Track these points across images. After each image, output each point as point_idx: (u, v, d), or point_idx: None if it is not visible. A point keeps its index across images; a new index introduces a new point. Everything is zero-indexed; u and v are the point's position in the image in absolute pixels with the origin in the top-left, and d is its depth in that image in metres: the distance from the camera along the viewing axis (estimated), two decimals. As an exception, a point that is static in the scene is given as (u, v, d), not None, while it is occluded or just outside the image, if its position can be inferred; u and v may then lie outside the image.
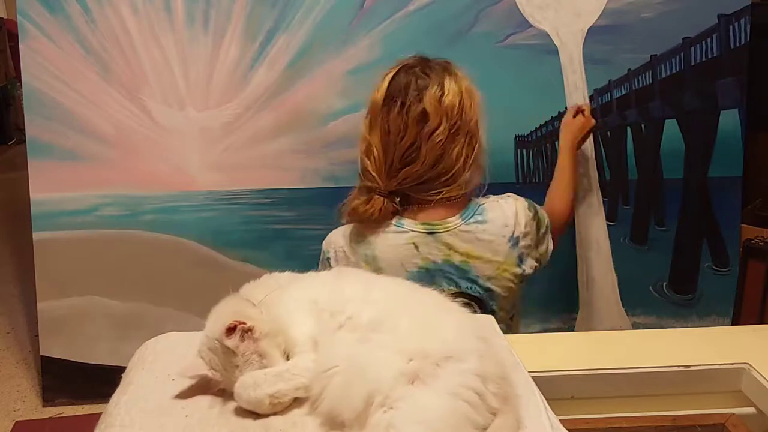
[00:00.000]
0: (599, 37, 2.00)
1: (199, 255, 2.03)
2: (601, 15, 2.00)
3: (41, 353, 2.07)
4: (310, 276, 0.98)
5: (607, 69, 2.02)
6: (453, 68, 1.33)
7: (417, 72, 1.31)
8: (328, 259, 1.39)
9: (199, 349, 0.85)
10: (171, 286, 2.04)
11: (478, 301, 1.33)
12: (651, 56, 2.03)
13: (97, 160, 1.98)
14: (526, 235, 1.35)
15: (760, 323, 2.10)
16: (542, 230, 1.40)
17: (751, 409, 1.17)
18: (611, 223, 2.09)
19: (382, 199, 1.30)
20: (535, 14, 1.99)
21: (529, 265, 1.37)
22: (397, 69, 1.33)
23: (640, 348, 1.28)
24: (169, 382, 0.86)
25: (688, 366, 1.17)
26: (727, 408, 1.16)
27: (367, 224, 1.33)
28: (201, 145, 1.99)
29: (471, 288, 1.32)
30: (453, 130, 1.28)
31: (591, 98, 2.03)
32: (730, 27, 2.01)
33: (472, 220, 1.32)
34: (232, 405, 0.81)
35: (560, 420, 0.81)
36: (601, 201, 2.07)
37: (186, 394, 0.84)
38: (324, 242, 1.41)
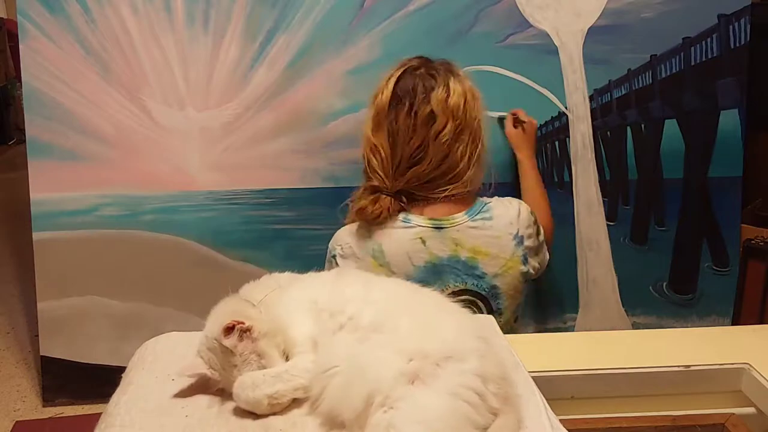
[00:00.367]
0: (599, 37, 2.00)
1: (199, 255, 2.03)
2: (601, 15, 2.00)
3: (41, 353, 2.07)
4: (310, 276, 0.98)
5: (607, 69, 2.02)
6: (455, 69, 1.36)
7: (422, 74, 1.33)
8: (334, 257, 1.39)
9: (198, 349, 0.85)
10: (171, 286, 2.04)
11: (483, 299, 1.33)
12: (651, 56, 2.02)
13: (97, 160, 1.98)
14: (529, 236, 1.36)
15: (760, 323, 2.10)
16: (540, 237, 1.42)
17: (751, 409, 1.17)
18: (611, 223, 2.09)
19: (389, 198, 1.33)
20: (535, 14, 1.99)
21: (532, 266, 1.38)
22: (401, 71, 1.35)
23: (640, 348, 1.28)
24: (169, 382, 0.87)
25: (688, 366, 1.17)
26: (727, 408, 1.16)
27: (374, 222, 1.34)
28: (201, 145, 1.99)
29: (477, 285, 1.33)
30: (458, 130, 1.31)
31: (591, 98, 2.03)
32: (730, 27, 2.01)
33: (478, 216, 1.34)
34: (231, 405, 0.81)
35: (560, 420, 0.81)
36: (601, 201, 2.07)
37: (186, 394, 0.84)
38: (330, 241, 1.42)
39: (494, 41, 1.99)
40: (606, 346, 1.31)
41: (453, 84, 1.32)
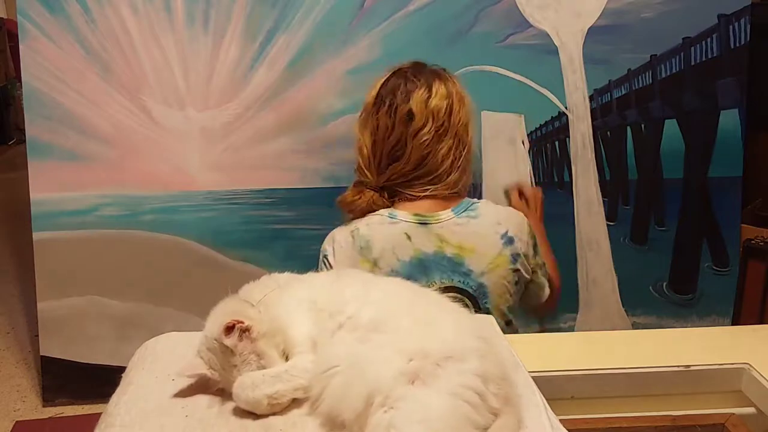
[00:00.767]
0: (599, 37, 2.00)
1: (199, 255, 2.03)
2: (601, 15, 2.00)
3: (41, 353, 2.07)
4: (310, 276, 0.98)
5: (607, 69, 2.02)
6: (445, 74, 1.39)
7: (408, 75, 1.37)
8: (326, 257, 1.40)
9: (198, 349, 0.85)
10: (171, 286, 2.04)
11: (471, 297, 1.34)
12: (651, 56, 2.03)
13: (97, 160, 1.98)
14: (521, 242, 1.37)
15: (760, 323, 2.10)
16: (538, 258, 1.43)
17: (751, 409, 1.17)
18: (611, 223, 2.09)
19: (372, 192, 1.36)
20: (535, 14, 1.99)
21: (524, 269, 1.38)
22: (390, 73, 1.38)
23: (640, 348, 1.28)
24: (169, 382, 0.86)
25: (688, 366, 1.17)
26: (727, 408, 1.16)
27: (358, 215, 1.37)
28: (201, 145, 1.99)
29: (464, 282, 1.34)
30: (440, 131, 1.34)
31: (591, 98, 2.03)
32: (730, 27, 2.01)
33: (464, 214, 1.36)
34: (231, 405, 0.81)
35: (560, 420, 0.81)
36: (601, 201, 2.07)
37: (186, 394, 0.84)
38: (324, 241, 1.44)
39: (494, 41, 1.99)
40: (606, 346, 1.31)
41: (436, 86, 1.35)
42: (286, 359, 0.84)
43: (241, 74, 1.97)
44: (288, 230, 2.02)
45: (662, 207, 2.11)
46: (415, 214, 1.35)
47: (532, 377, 0.89)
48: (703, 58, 2.03)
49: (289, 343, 0.84)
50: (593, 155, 2.06)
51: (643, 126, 2.07)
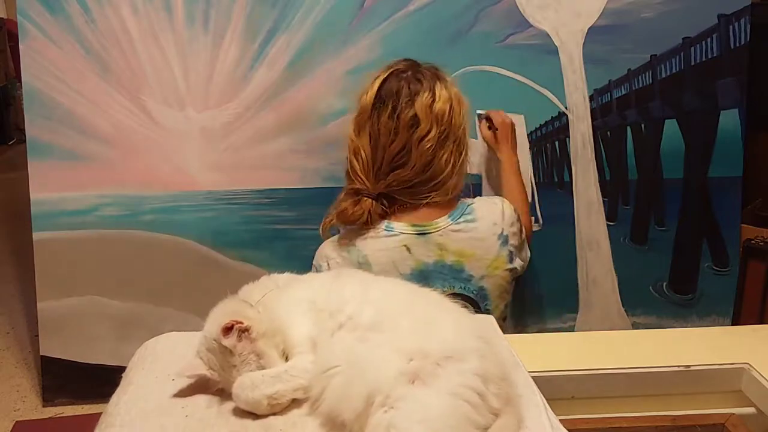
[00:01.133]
0: (599, 37, 2.00)
1: (199, 255, 2.03)
2: (601, 15, 1.99)
3: (41, 353, 2.07)
4: (309, 277, 0.98)
5: (607, 69, 2.02)
6: (442, 74, 1.35)
7: (409, 77, 1.32)
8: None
9: (197, 350, 0.85)
10: (171, 286, 2.04)
11: (471, 302, 1.33)
12: (651, 56, 2.02)
13: (97, 160, 1.98)
14: (513, 234, 1.36)
15: (760, 323, 2.10)
16: (523, 235, 1.42)
17: (751, 409, 1.17)
18: (611, 223, 2.09)
19: (370, 201, 1.31)
20: (535, 14, 1.99)
21: (517, 264, 1.38)
22: (387, 73, 1.34)
23: (640, 348, 1.28)
24: (168, 382, 0.87)
25: (688, 366, 1.17)
26: (727, 408, 1.16)
27: (356, 228, 1.34)
28: (201, 145, 1.99)
29: (465, 288, 1.33)
30: (442, 137, 1.30)
31: (591, 98, 2.03)
32: (730, 27, 2.01)
33: (461, 219, 1.33)
34: (231, 405, 0.81)
35: (560, 420, 0.81)
36: (601, 201, 2.07)
37: (186, 394, 0.84)
38: (315, 257, 1.41)
39: (494, 41, 1.99)
40: (606, 346, 1.31)
41: (439, 89, 1.31)
42: (286, 359, 0.84)
43: (241, 74, 1.97)
44: (288, 230, 2.02)
45: (662, 207, 2.11)
46: (413, 225, 1.32)
47: (532, 377, 0.89)
48: (703, 58, 2.03)
49: (288, 344, 0.84)
50: (593, 155, 2.05)
51: (643, 126, 2.07)
